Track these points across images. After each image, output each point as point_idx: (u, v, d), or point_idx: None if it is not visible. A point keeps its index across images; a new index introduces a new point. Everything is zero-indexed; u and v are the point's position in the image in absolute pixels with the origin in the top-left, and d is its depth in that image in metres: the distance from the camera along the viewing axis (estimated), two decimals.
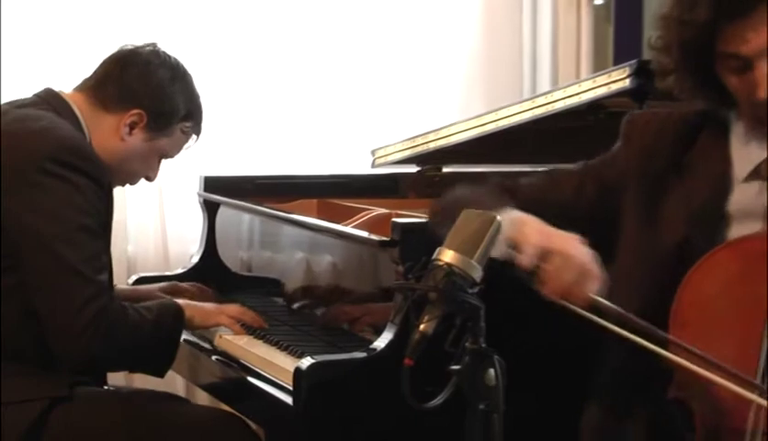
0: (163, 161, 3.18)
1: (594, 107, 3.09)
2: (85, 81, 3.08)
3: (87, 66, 3.17)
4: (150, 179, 3.18)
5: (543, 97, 3.30)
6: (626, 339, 2.06)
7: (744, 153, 2.34)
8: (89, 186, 2.81)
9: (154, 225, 4.43)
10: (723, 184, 2.34)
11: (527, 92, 4.69)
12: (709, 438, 2.14)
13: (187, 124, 3.10)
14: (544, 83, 4.75)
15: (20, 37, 4.30)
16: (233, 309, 3.16)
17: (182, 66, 3.11)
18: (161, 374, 2.99)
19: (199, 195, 3.92)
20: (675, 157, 2.39)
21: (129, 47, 3.10)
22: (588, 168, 2.52)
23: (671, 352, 2.07)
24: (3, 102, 3.07)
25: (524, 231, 2.17)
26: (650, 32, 2.49)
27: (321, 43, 4.60)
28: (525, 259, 2.12)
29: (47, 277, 2.74)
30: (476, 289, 1.94)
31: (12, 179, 2.78)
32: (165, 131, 3.06)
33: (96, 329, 2.71)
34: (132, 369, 3.15)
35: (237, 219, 3.74)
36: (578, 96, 3.12)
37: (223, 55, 4.44)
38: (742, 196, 2.33)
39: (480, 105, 4.44)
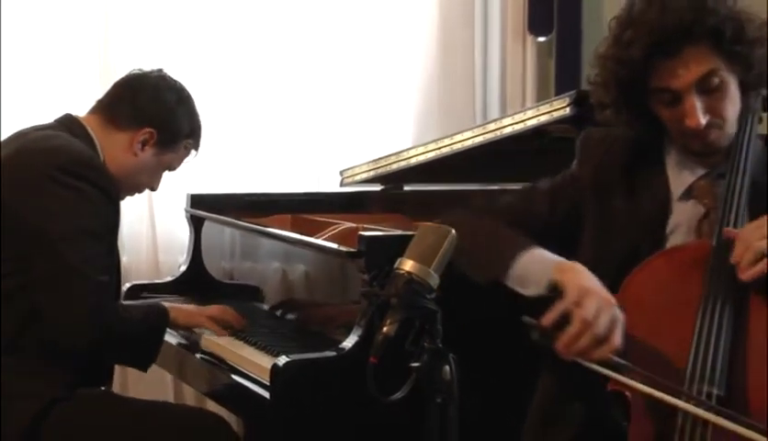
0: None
1: (539, 132, 3.10)
2: (98, 103, 3.08)
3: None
4: (153, 189, 3.19)
5: (493, 124, 3.31)
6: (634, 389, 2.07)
7: (678, 175, 2.36)
8: (95, 194, 2.81)
9: (146, 238, 4.41)
10: (665, 204, 2.35)
11: (479, 118, 4.69)
12: (641, 430, 2.15)
13: (190, 140, 3.12)
14: (493, 110, 4.75)
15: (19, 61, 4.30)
16: (214, 309, 3.15)
17: (185, 89, 3.12)
18: (145, 367, 2.98)
19: (186, 211, 3.91)
20: (623, 175, 2.40)
21: (137, 71, 3.11)
22: (557, 186, 2.50)
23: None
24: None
25: (567, 278, 2.16)
26: (588, 67, 2.48)
27: (293, 76, 4.59)
28: (552, 314, 2.11)
29: (50, 273, 2.73)
30: (433, 295, 1.94)
31: (27, 188, 2.78)
32: (172, 147, 3.07)
33: (91, 323, 2.71)
34: (121, 361, 3.12)
35: (220, 232, 3.73)
36: (524, 123, 3.13)
37: (206, 87, 4.43)
38: (677, 212, 2.35)
39: (437, 129, 4.44)
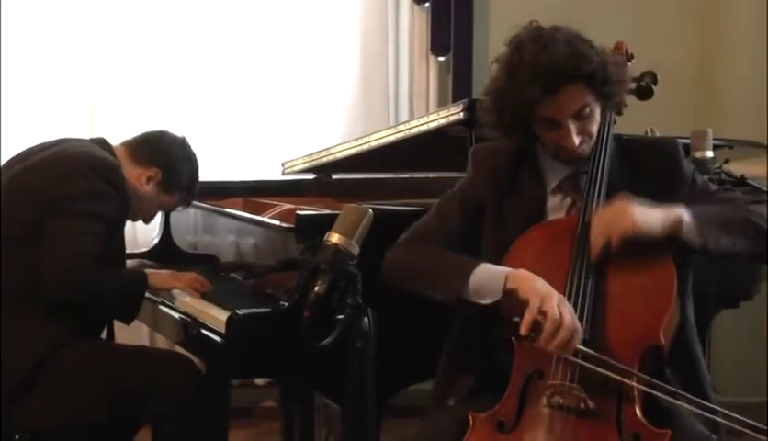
0: None
1: (438, 132, 3.10)
2: (128, 141, 3.13)
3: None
4: (146, 222, 3.24)
5: (403, 125, 3.31)
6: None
7: (551, 172, 2.36)
8: (109, 190, 2.86)
9: None
10: (542, 196, 2.35)
11: (392, 121, 4.70)
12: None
13: (185, 193, 3.17)
14: (403, 114, 4.76)
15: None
16: (188, 277, 3.09)
17: (190, 149, 3.17)
18: (129, 321, 2.97)
19: None
20: (509, 177, 2.38)
21: (165, 131, 3.17)
22: (459, 196, 2.42)
23: None
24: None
25: (524, 288, 2.11)
26: (479, 83, 2.45)
27: (246, 89, 4.63)
28: (526, 324, 2.05)
29: (51, 238, 2.76)
30: (354, 261, 1.95)
31: (62, 178, 2.84)
32: (169, 192, 3.12)
33: (76, 279, 2.73)
34: (110, 315, 3.10)
35: (186, 212, 3.67)
36: (427, 125, 3.13)
37: (176, 98, 4.41)
38: (552, 202, 2.36)
39: (359, 129, 4.45)
